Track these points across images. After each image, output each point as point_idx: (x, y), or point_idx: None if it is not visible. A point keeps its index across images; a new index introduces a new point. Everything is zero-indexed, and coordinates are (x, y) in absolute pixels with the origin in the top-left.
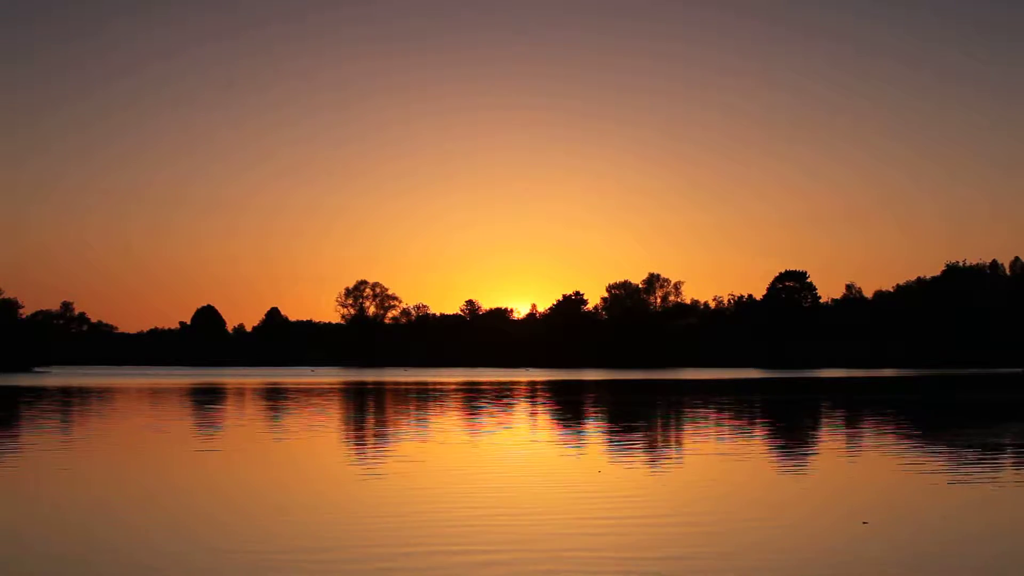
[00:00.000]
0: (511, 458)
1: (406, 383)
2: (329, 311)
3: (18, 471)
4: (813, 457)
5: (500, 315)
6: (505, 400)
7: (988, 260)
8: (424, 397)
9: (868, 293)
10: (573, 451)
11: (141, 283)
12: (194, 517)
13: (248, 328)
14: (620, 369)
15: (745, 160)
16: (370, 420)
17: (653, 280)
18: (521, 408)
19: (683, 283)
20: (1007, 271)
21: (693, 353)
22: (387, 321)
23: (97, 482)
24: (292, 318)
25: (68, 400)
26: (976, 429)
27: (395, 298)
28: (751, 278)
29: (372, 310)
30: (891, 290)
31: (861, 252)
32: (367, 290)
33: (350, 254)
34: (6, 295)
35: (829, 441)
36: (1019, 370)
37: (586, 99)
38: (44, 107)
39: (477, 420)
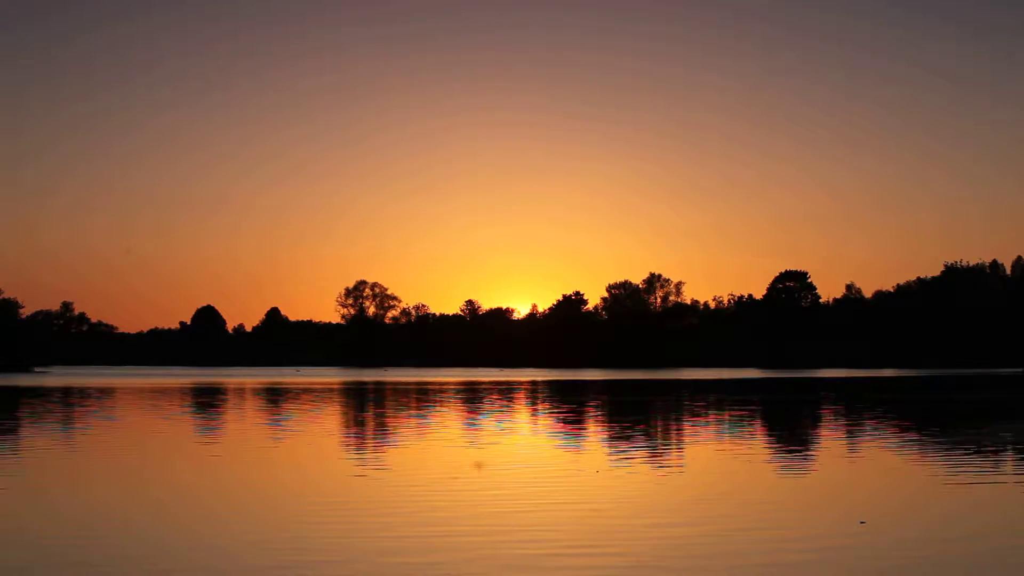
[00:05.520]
0: (508, 458)
1: (393, 383)
2: (329, 311)
3: (18, 471)
4: (812, 457)
5: (500, 315)
6: (496, 400)
7: (988, 260)
8: (400, 399)
9: (868, 293)
10: (571, 451)
11: (141, 283)
12: (194, 515)
13: (248, 328)
14: (620, 369)
15: (745, 161)
16: (351, 422)
17: (653, 280)
18: (519, 408)
19: (683, 283)
20: (1007, 271)
21: (693, 353)
22: (387, 321)
23: (97, 482)
24: (292, 318)
25: (68, 400)
26: (975, 429)
27: (395, 298)
28: (751, 278)
29: (372, 310)
30: (891, 290)
31: (861, 252)
32: (367, 290)
33: (352, 255)
34: (6, 295)
35: (828, 441)
36: (1019, 370)
37: (586, 101)
38: (47, 107)
39: (474, 420)
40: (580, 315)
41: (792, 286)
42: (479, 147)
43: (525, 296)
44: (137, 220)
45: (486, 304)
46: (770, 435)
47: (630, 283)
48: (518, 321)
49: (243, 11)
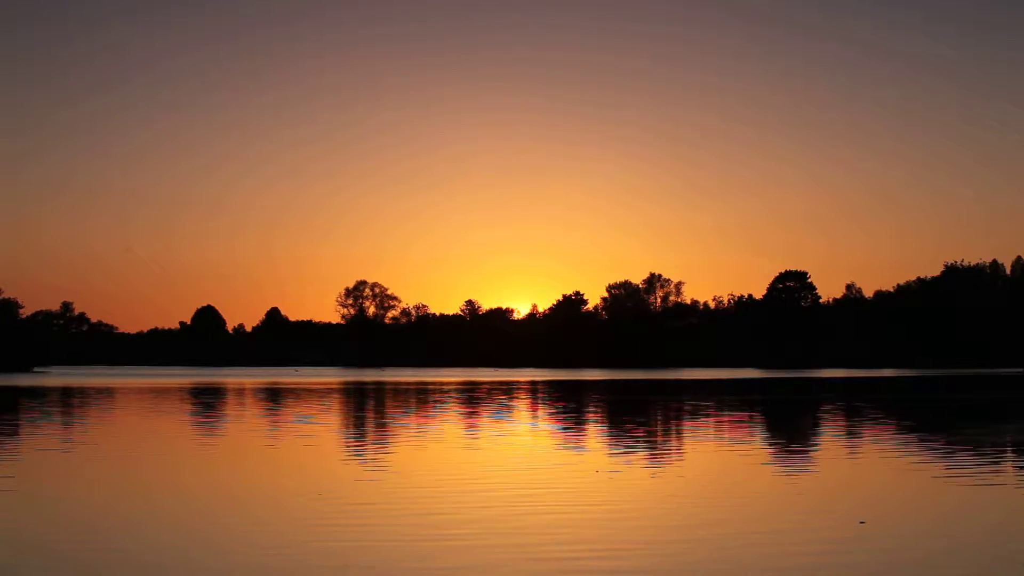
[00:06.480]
0: (507, 457)
1: (393, 383)
2: (329, 311)
3: (19, 471)
4: (811, 457)
5: (500, 315)
6: (496, 400)
7: (988, 260)
8: (397, 401)
9: (868, 293)
10: (571, 450)
11: (141, 283)
12: (192, 514)
13: (248, 328)
14: (620, 369)
15: (745, 161)
16: (346, 422)
17: (653, 280)
18: (519, 408)
19: (683, 283)
20: (1007, 271)
21: (693, 353)
22: (387, 321)
23: (96, 481)
24: (292, 318)
25: (68, 400)
26: (975, 429)
27: (395, 298)
28: (751, 278)
29: (372, 310)
30: (891, 290)
31: (861, 252)
32: (367, 290)
33: (352, 255)
34: (6, 295)
35: (827, 441)
36: (1019, 370)
37: (586, 101)
38: (47, 108)
39: (474, 420)
40: (580, 315)
41: (792, 286)
42: (479, 147)
43: (525, 296)
44: (137, 220)
45: (486, 304)
46: (770, 435)
47: (630, 283)
48: (518, 321)
49: (243, 11)
